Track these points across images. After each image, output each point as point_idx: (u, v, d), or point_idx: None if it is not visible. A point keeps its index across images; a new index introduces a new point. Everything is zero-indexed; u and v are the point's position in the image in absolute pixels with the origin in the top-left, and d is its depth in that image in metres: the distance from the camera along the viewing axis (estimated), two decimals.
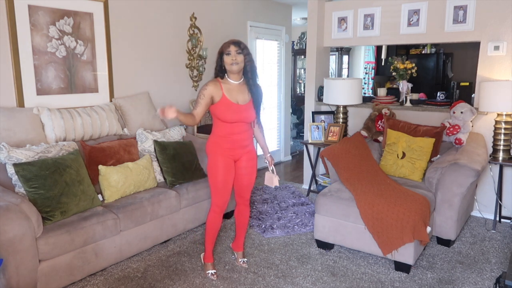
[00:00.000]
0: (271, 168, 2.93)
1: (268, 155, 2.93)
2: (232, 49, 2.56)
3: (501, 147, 3.56)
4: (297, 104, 8.49)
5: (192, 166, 3.57)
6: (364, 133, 4.11)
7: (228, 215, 3.86)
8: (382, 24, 4.30)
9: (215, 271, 2.86)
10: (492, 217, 3.78)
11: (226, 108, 2.60)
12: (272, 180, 2.91)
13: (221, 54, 2.61)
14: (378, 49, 8.31)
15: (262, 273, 2.90)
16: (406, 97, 4.30)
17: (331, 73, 8.20)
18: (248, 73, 2.64)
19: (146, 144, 3.49)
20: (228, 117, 2.61)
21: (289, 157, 6.57)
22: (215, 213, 2.77)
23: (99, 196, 3.01)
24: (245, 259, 3.05)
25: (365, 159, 3.66)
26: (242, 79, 2.68)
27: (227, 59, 2.57)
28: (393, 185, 3.26)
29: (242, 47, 2.58)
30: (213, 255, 2.92)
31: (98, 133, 3.35)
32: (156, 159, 3.49)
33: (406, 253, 2.82)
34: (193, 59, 4.50)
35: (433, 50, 7.26)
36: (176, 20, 4.31)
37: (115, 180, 3.03)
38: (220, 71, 2.66)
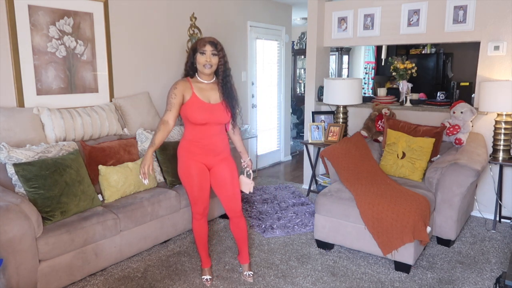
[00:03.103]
0: (249, 172, 2.73)
1: (248, 158, 2.76)
2: (208, 48, 2.38)
3: (501, 147, 3.56)
4: (297, 104, 8.49)
5: None
6: (364, 133, 4.11)
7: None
8: (382, 24, 4.30)
9: (210, 277, 2.78)
10: (492, 217, 3.78)
11: (197, 107, 2.41)
12: (247, 185, 2.70)
13: (194, 50, 2.42)
14: (378, 49, 8.30)
15: (262, 273, 2.90)
16: (406, 97, 4.30)
17: (331, 73, 8.20)
18: (220, 74, 2.46)
19: (146, 144, 3.49)
20: (199, 117, 2.41)
21: (289, 157, 6.57)
22: (197, 221, 2.66)
23: (99, 196, 3.01)
24: (251, 272, 2.82)
25: (365, 159, 3.66)
26: (214, 79, 2.51)
27: (200, 59, 2.39)
28: (393, 185, 3.26)
29: (218, 49, 2.40)
30: (210, 260, 2.86)
31: (98, 133, 3.35)
32: (156, 159, 3.49)
33: (406, 253, 2.82)
34: None
35: (433, 50, 7.26)
36: (176, 20, 4.30)
37: (115, 180, 3.03)
38: (191, 69, 2.49)
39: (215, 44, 2.42)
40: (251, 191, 2.73)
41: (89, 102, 3.53)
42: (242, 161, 2.79)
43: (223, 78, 2.48)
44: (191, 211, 2.69)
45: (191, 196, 2.60)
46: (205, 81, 2.50)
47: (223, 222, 3.79)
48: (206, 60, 2.39)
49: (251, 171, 2.75)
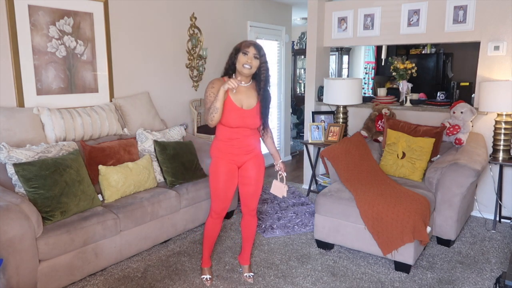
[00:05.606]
0: (282, 176, 2.68)
1: (280, 161, 2.71)
2: (252, 51, 2.40)
3: (501, 147, 3.56)
4: (297, 104, 8.49)
5: (192, 166, 3.57)
6: (364, 133, 4.11)
7: (228, 215, 3.87)
8: (382, 24, 4.30)
9: (210, 276, 2.79)
10: (492, 217, 3.78)
11: (230, 111, 2.43)
12: (280, 189, 2.67)
13: (237, 50, 2.43)
14: (378, 49, 8.30)
15: (262, 273, 2.90)
16: (406, 97, 4.30)
17: (331, 73, 8.20)
18: (259, 78, 2.48)
19: (146, 144, 3.49)
20: (230, 121, 2.45)
21: (289, 157, 6.57)
22: (213, 219, 2.67)
23: (99, 196, 3.01)
24: (252, 274, 2.84)
25: (365, 159, 3.65)
26: (251, 82, 2.52)
27: (241, 58, 2.40)
28: (393, 185, 3.26)
29: (261, 54, 2.43)
30: (210, 260, 2.88)
31: (98, 133, 3.35)
32: (156, 159, 3.49)
33: (406, 253, 2.82)
34: (193, 59, 4.50)
35: (433, 50, 7.26)
36: (176, 20, 4.30)
37: (115, 180, 3.03)
38: (230, 69, 2.49)
39: (259, 48, 2.44)
40: (285, 195, 2.67)
41: (89, 102, 3.53)
42: (274, 164, 2.74)
43: (262, 80, 2.48)
44: (209, 208, 2.71)
45: (213, 194, 2.61)
46: (242, 84, 2.48)
47: (223, 222, 3.78)
48: (247, 61, 2.40)
49: (284, 175, 2.69)
